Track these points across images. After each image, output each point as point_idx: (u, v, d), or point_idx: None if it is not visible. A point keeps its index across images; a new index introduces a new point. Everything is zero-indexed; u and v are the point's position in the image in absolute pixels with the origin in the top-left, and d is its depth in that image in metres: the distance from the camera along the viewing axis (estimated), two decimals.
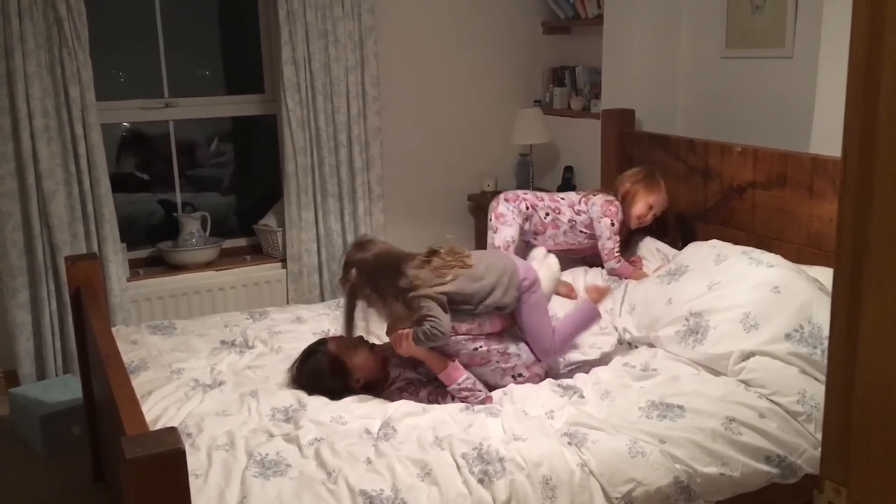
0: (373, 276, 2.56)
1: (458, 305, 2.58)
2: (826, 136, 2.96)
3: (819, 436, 2.30)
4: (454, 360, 2.55)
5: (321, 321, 3.21)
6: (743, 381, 2.47)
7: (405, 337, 2.51)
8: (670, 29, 3.85)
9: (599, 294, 2.83)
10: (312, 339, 2.80)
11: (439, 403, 2.50)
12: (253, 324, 3.19)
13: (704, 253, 2.95)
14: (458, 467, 2.07)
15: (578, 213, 3.43)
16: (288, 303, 4.19)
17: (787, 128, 3.30)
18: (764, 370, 2.46)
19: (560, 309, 2.95)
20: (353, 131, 4.17)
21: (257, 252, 4.40)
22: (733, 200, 3.26)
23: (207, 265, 4.17)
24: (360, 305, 2.62)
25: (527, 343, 2.71)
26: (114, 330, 2.93)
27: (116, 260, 3.80)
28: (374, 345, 2.71)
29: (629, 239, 3.50)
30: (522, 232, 3.39)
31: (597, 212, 3.37)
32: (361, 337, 2.72)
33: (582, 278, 3.36)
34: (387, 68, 4.28)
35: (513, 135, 4.51)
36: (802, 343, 2.49)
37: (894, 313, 0.90)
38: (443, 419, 2.32)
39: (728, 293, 2.68)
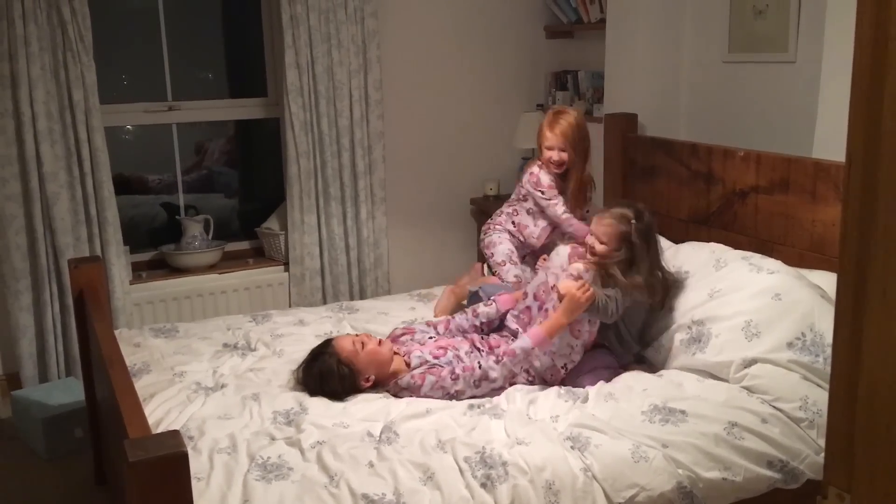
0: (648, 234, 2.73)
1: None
2: (829, 141, 2.96)
3: (821, 442, 2.29)
4: (571, 336, 2.62)
5: (323, 324, 3.21)
6: (745, 388, 2.47)
7: (585, 288, 2.56)
8: (673, 33, 3.84)
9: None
10: (315, 342, 2.80)
11: (460, 378, 2.54)
12: (255, 326, 3.19)
13: (703, 258, 2.94)
14: (461, 471, 2.06)
15: (525, 197, 3.38)
16: (290, 306, 4.20)
17: (790, 132, 3.30)
18: (766, 376, 2.45)
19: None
20: (356, 135, 4.18)
21: (260, 255, 4.40)
22: (736, 205, 3.25)
23: (210, 268, 4.17)
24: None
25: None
26: (116, 333, 2.93)
27: (119, 263, 3.80)
28: (381, 340, 2.71)
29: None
30: (520, 243, 3.39)
31: (528, 187, 3.32)
32: (368, 334, 2.73)
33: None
34: (390, 72, 4.29)
35: (515, 139, 4.52)
36: (804, 351, 2.49)
37: None
38: (445, 422, 2.32)
39: (729, 301, 2.67)
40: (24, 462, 3.24)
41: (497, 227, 3.43)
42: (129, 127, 4.31)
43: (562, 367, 2.64)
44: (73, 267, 2.92)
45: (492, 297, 3.03)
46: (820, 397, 2.38)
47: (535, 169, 3.34)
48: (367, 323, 3.20)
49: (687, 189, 3.49)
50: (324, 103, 4.06)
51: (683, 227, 3.45)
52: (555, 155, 3.29)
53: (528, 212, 3.39)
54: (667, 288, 2.80)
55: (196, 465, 2.05)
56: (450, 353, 2.67)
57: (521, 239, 3.41)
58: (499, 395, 2.55)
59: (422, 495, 1.99)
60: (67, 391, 3.42)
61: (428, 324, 2.97)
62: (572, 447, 2.17)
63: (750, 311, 2.60)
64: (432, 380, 2.53)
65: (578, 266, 2.70)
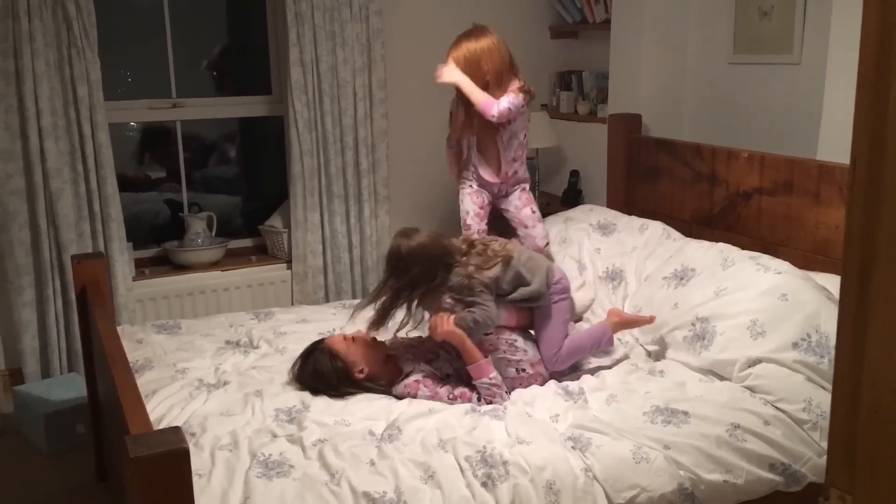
0: (425, 266, 2.57)
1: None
2: (833, 143, 2.96)
3: (824, 444, 2.29)
4: (488, 356, 2.57)
5: (326, 322, 3.21)
6: (748, 388, 2.46)
7: (446, 321, 2.52)
8: (678, 34, 3.84)
9: (620, 321, 2.84)
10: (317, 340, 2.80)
11: (457, 396, 2.51)
12: (258, 324, 3.19)
13: (711, 257, 2.94)
14: (462, 470, 2.06)
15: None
16: (292, 304, 4.20)
17: (794, 134, 3.30)
18: (770, 377, 2.45)
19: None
20: (360, 133, 4.18)
21: (263, 253, 4.40)
22: (739, 206, 3.25)
23: (213, 265, 4.17)
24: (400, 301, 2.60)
25: (534, 343, 2.72)
26: (119, 329, 2.93)
27: (122, 259, 3.80)
28: (373, 339, 2.71)
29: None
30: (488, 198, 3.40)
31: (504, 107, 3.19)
32: (360, 330, 2.73)
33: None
34: (394, 71, 4.28)
35: None
36: (809, 352, 2.48)
37: None
38: (447, 421, 2.32)
39: (735, 299, 2.67)
40: (26, 457, 3.25)
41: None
42: (133, 124, 4.31)
43: (529, 367, 2.64)
44: (76, 263, 2.92)
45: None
46: (824, 399, 2.37)
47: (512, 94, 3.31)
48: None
49: (690, 190, 3.49)
50: (328, 101, 4.07)
51: (687, 228, 3.45)
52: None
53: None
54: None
55: (197, 461, 2.05)
56: (442, 356, 2.68)
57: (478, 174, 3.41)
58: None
59: (422, 494, 1.99)
60: (69, 387, 3.43)
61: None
62: (573, 447, 2.17)
63: (756, 310, 2.60)
64: (426, 392, 2.54)
65: (432, 323, 2.62)
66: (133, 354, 2.77)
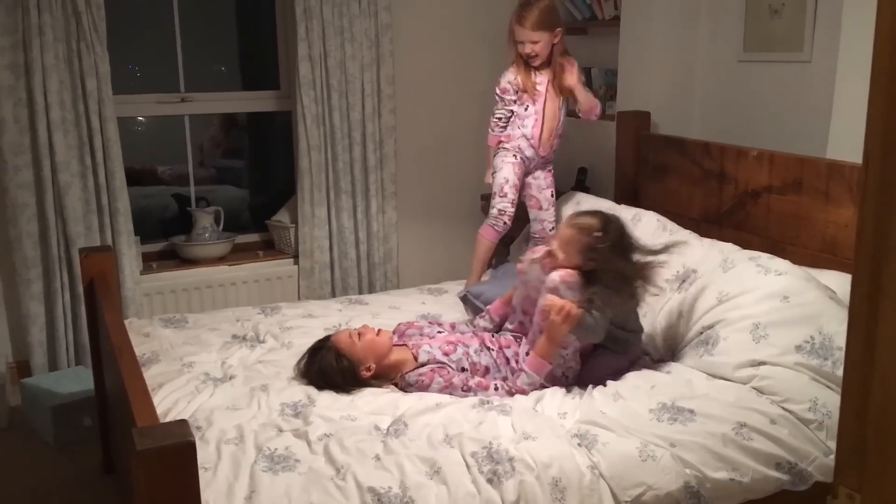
0: (619, 244, 2.57)
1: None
2: (843, 142, 2.94)
3: (830, 444, 2.28)
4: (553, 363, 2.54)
5: (333, 317, 3.21)
6: (755, 388, 2.45)
7: (570, 311, 2.43)
8: (688, 31, 3.83)
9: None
10: (323, 335, 2.80)
11: (472, 387, 2.51)
12: (264, 319, 3.19)
13: (712, 258, 2.91)
14: (468, 466, 2.06)
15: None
16: (299, 299, 4.20)
17: (804, 132, 3.28)
18: (776, 377, 2.44)
19: None
20: (368, 129, 4.18)
21: (270, 248, 4.41)
22: (748, 205, 3.24)
23: (220, 260, 4.18)
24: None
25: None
26: (126, 322, 2.94)
27: (130, 253, 3.81)
28: (380, 330, 2.71)
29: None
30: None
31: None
32: (366, 325, 2.73)
33: None
34: (402, 66, 4.28)
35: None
36: (813, 354, 2.47)
37: None
38: (453, 417, 2.31)
39: (737, 304, 2.65)
40: (33, 450, 3.26)
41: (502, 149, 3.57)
42: (142, 118, 4.32)
43: (562, 376, 2.61)
44: (83, 256, 2.93)
45: (485, 309, 3.00)
46: (830, 399, 2.36)
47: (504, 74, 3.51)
48: (375, 317, 3.20)
49: (699, 188, 3.47)
50: (336, 97, 4.07)
51: (695, 226, 3.43)
52: (526, 48, 3.39)
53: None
54: (643, 291, 2.63)
55: (203, 455, 2.05)
56: (459, 350, 2.64)
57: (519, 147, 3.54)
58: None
59: (428, 489, 1.99)
60: (77, 380, 3.44)
61: (431, 323, 2.96)
62: (580, 444, 2.17)
63: (758, 314, 2.58)
64: (441, 382, 2.52)
65: (554, 277, 2.53)
66: (140, 348, 2.78)
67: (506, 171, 3.49)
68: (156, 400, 2.35)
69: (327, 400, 2.47)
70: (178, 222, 4.34)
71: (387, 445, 2.16)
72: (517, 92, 3.49)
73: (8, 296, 3.72)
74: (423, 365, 2.58)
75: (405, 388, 2.57)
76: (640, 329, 2.75)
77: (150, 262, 4.11)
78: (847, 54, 2.90)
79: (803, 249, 2.99)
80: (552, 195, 3.63)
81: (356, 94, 4.11)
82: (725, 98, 3.72)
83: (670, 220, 3.37)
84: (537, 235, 3.66)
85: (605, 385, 2.57)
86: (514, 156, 3.51)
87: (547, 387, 2.56)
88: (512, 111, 3.51)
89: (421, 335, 2.78)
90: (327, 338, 2.69)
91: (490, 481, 2.02)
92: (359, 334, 2.64)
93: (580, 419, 2.31)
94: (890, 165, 0.91)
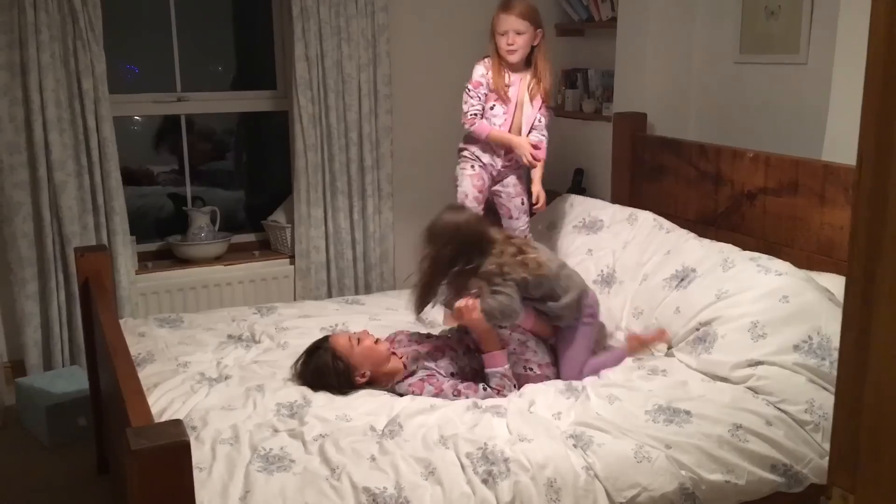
0: (460, 244, 2.58)
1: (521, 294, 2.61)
2: (839, 144, 2.95)
3: (826, 445, 2.28)
4: (505, 347, 2.59)
5: (329, 317, 3.21)
6: (751, 388, 2.46)
7: (473, 307, 2.52)
8: (684, 33, 3.83)
9: (640, 344, 2.82)
10: (320, 335, 2.80)
11: (461, 391, 2.52)
12: (260, 319, 3.19)
13: (712, 257, 2.93)
14: (463, 467, 2.06)
15: None
16: (295, 299, 4.20)
17: (800, 134, 3.29)
18: (772, 378, 2.44)
19: None
20: (364, 129, 4.17)
21: (266, 248, 4.40)
22: (744, 206, 3.24)
23: (216, 260, 4.17)
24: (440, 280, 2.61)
25: (545, 347, 2.73)
26: (121, 322, 2.93)
27: (125, 252, 3.81)
28: (378, 339, 2.71)
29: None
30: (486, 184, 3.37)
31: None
32: (366, 331, 2.73)
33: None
34: (399, 67, 4.28)
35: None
36: (811, 354, 2.48)
37: None
38: (449, 418, 2.31)
39: (736, 302, 2.66)
40: (28, 449, 3.25)
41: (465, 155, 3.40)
42: (138, 118, 4.32)
43: (536, 367, 2.64)
44: (79, 255, 2.92)
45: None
46: (826, 400, 2.36)
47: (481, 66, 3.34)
48: (372, 319, 3.20)
49: (695, 189, 3.48)
50: (332, 97, 4.06)
51: (691, 227, 3.43)
52: (509, 38, 3.24)
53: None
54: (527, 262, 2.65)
55: (198, 455, 2.05)
56: (447, 356, 2.67)
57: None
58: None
59: (423, 490, 1.99)
60: (71, 379, 3.43)
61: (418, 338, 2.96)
62: (575, 445, 2.17)
63: (757, 312, 2.59)
64: (431, 390, 2.54)
65: (458, 306, 2.60)
66: (135, 348, 2.77)
67: (464, 186, 3.33)
68: (150, 400, 2.35)
69: (323, 400, 2.47)
70: (173, 222, 4.33)
71: (382, 446, 2.16)
72: (488, 87, 3.33)
73: (3, 295, 3.71)
74: (412, 374, 2.60)
75: (400, 394, 2.58)
76: (572, 289, 2.71)
77: (146, 262, 4.10)
78: (843, 56, 2.91)
79: (799, 251, 2.99)
80: (523, 203, 3.43)
81: (353, 94, 4.11)
82: (722, 100, 3.73)
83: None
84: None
85: (598, 377, 2.61)
86: (472, 166, 3.33)
87: (536, 380, 2.61)
88: (483, 107, 3.32)
89: (409, 342, 2.78)
90: (326, 338, 2.69)
91: (485, 482, 2.02)
92: (358, 339, 2.63)
93: (575, 420, 2.31)
94: (883, 167, 0.91)
